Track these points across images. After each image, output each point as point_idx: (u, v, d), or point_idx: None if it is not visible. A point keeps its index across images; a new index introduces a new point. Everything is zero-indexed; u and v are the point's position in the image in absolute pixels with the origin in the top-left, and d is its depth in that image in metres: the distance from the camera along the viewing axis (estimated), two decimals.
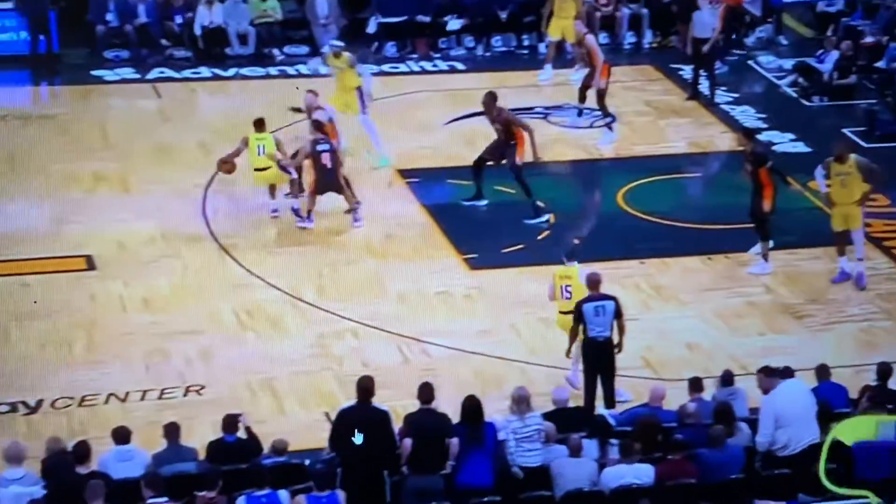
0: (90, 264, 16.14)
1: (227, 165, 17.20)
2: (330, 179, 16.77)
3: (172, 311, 15.17)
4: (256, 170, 17.08)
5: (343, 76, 18.69)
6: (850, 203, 15.73)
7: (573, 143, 19.87)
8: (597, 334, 13.15)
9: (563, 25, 21.93)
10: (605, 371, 13.19)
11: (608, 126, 19.97)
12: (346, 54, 18.90)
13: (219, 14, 22.84)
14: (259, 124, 17.11)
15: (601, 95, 19.75)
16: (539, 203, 17.29)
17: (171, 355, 14.35)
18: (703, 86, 21.49)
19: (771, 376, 11.60)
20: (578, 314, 13.20)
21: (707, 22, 21.17)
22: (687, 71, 22.24)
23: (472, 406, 11.27)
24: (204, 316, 15.08)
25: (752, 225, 16.19)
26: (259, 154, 16.97)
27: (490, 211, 17.62)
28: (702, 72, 21.41)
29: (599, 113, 19.97)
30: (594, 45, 19.98)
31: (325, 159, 16.71)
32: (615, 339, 13.23)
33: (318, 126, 17.07)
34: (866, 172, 15.86)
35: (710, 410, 11.93)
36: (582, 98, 20.17)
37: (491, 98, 17.50)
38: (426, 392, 11.47)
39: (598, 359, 13.18)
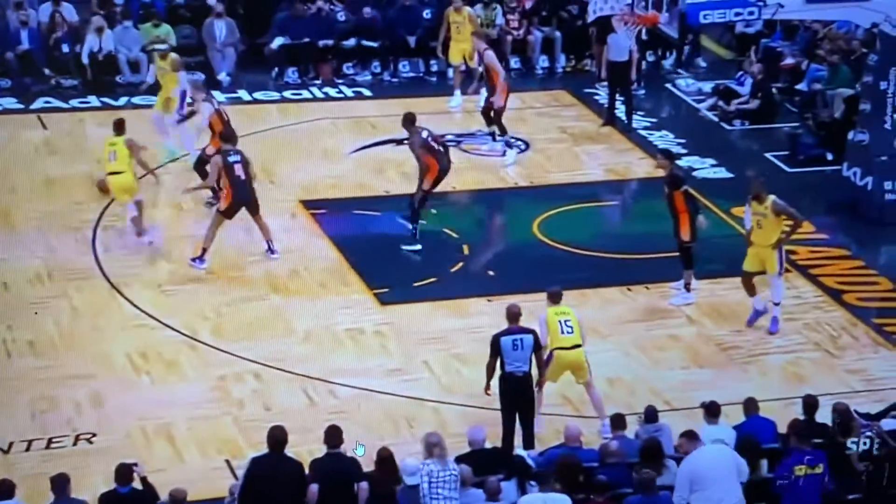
0: None
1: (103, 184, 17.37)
2: (244, 194, 16.58)
3: (60, 355, 14.93)
4: (109, 174, 17.08)
5: (166, 78, 19.38)
6: (766, 245, 15.68)
7: (486, 170, 19.88)
8: (515, 369, 13.09)
9: (462, 49, 22.07)
10: (524, 408, 13.10)
11: (507, 144, 20.11)
12: (172, 56, 19.81)
13: (109, 41, 22.59)
14: (118, 126, 17.18)
15: (499, 114, 19.92)
16: (416, 233, 17.32)
17: (60, 402, 14.07)
18: (619, 110, 21.62)
19: (693, 440, 11.56)
20: (495, 348, 13.13)
21: (623, 45, 21.34)
22: (602, 95, 22.39)
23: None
24: (95, 359, 14.84)
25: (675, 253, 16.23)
26: (110, 160, 17.04)
27: (400, 242, 17.51)
28: (618, 96, 21.54)
29: (499, 134, 20.05)
30: (494, 61, 20.12)
31: (238, 170, 16.55)
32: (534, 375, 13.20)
33: (228, 137, 16.89)
34: (784, 215, 15.75)
35: (633, 448, 11.90)
36: (488, 122, 20.23)
37: (408, 120, 17.38)
38: (333, 436, 11.35)
39: (517, 395, 13.10)
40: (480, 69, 20.90)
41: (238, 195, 16.59)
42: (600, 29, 22.56)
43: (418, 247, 17.32)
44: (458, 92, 22.11)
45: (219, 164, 16.69)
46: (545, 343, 13.49)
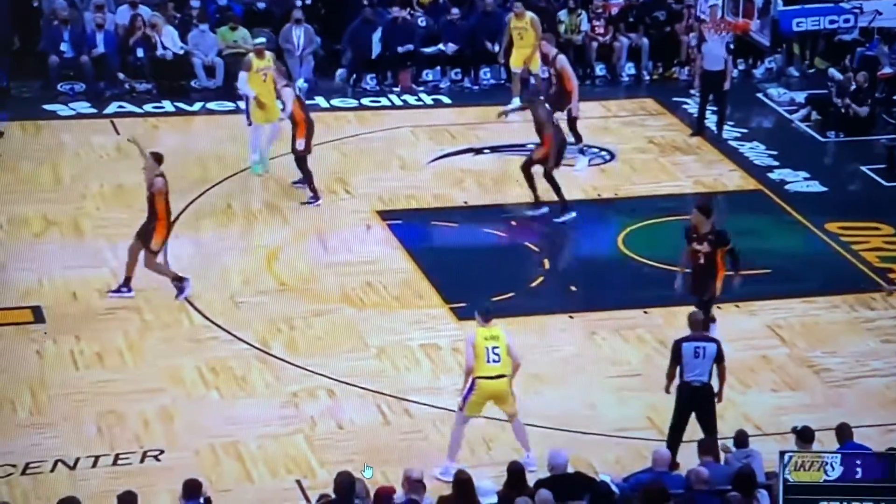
0: (38, 316, 15.76)
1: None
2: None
3: (129, 368, 14.83)
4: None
5: (269, 79, 18.93)
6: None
7: (568, 182, 19.57)
8: (693, 378, 12.84)
9: (524, 55, 21.74)
10: (702, 419, 12.89)
11: (581, 151, 19.88)
12: (269, 54, 19.37)
13: (168, 39, 22.57)
14: None
15: (573, 121, 19.62)
16: (564, 202, 18.05)
17: (127, 417, 13.96)
18: (709, 120, 21.24)
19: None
20: (676, 354, 12.91)
21: (717, 53, 20.94)
22: (692, 104, 22.04)
23: None
24: (163, 373, 14.72)
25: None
26: None
27: (479, 255, 17.34)
28: (709, 106, 21.14)
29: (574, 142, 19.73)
30: (566, 65, 19.75)
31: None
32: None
33: (157, 159, 16.53)
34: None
35: (723, 475, 11.60)
36: (576, 135, 19.88)
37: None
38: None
39: (695, 404, 12.91)
40: (545, 75, 20.42)
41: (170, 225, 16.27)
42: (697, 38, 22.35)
43: (573, 214, 18.00)
44: (516, 99, 21.72)
45: (160, 189, 15.91)
46: (470, 366, 12.99)
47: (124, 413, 14.00)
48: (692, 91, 22.23)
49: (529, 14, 21.98)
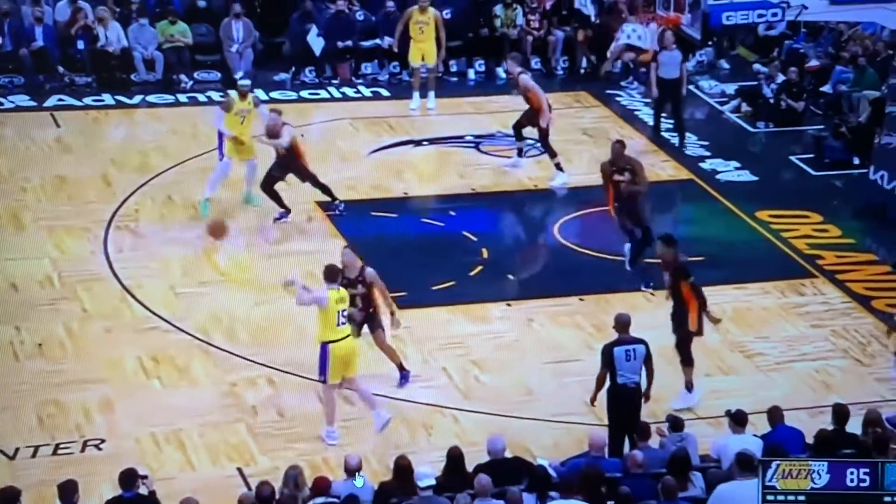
0: None
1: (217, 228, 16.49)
2: None
3: (70, 358, 14.60)
4: None
5: (250, 116, 17.87)
6: None
7: (505, 172, 19.53)
8: (627, 380, 12.76)
9: (422, 49, 21.37)
10: (634, 421, 12.70)
11: (558, 167, 19.14)
12: (252, 95, 18.23)
13: (114, 33, 22.27)
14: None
15: (545, 134, 18.98)
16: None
17: (68, 407, 13.73)
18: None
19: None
20: (608, 358, 12.77)
21: (676, 61, 20.54)
22: (625, 96, 22.01)
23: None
24: (104, 363, 14.51)
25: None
26: None
27: (418, 245, 17.20)
28: (663, 114, 21.00)
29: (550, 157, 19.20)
30: (530, 83, 18.99)
31: None
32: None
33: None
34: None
35: (658, 459, 11.53)
36: (518, 136, 19.36)
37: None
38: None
39: (629, 408, 12.78)
40: (515, 93, 19.80)
41: None
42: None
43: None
44: (416, 94, 21.53)
45: None
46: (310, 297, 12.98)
47: (65, 403, 13.78)
48: (647, 100, 21.90)
49: (433, 10, 21.59)
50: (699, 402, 14.01)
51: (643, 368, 12.89)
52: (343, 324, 13.09)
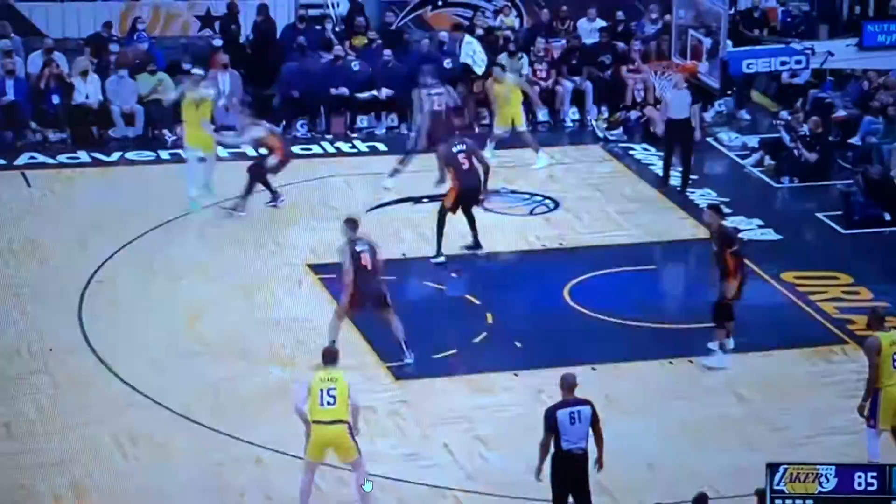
0: None
1: None
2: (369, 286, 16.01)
3: (39, 439, 14.46)
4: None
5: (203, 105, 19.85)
6: None
7: (512, 231, 19.50)
8: (573, 446, 12.57)
9: (511, 114, 21.65)
10: (581, 490, 12.61)
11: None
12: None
13: (94, 86, 22.38)
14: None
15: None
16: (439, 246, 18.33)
17: (38, 492, 13.60)
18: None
19: None
20: (551, 423, 12.61)
21: (685, 101, 20.72)
22: (639, 150, 21.96)
23: None
24: (77, 444, 14.37)
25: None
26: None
27: (417, 310, 17.15)
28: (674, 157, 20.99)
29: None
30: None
31: (365, 260, 15.91)
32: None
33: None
34: None
35: None
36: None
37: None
38: None
39: (574, 476, 12.63)
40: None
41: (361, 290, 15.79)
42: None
43: (442, 258, 18.34)
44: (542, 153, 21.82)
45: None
46: (298, 408, 12.97)
47: (34, 488, 13.63)
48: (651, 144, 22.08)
49: (510, 76, 21.86)
50: (729, 366, 15.54)
51: (590, 433, 12.68)
52: (329, 404, 12.93)
